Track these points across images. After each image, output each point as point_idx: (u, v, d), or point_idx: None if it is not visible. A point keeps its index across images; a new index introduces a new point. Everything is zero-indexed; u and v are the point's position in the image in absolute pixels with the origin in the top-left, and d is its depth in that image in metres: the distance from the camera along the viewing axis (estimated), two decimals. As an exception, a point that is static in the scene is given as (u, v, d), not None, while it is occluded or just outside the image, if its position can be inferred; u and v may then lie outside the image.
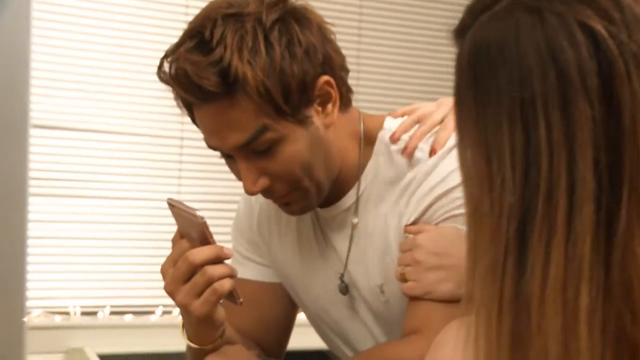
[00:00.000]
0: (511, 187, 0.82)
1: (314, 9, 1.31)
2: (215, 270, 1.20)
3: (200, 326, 1.27)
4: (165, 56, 1.26)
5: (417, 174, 1.29)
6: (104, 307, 2.65)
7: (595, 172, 0.79)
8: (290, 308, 1.52)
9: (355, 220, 1.37)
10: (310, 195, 1.32)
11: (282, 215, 1.43)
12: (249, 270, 1.48)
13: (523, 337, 0.82)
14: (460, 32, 0.88)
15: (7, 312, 1.06)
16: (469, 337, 0.89)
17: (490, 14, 0.85)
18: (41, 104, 2.56)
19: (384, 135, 1.34)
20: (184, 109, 1.31)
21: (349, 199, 1.36)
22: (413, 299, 1.28)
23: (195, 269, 1.21)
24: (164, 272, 1.25)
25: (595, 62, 0.79)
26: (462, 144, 0.89)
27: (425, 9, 3.23)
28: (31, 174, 2.32)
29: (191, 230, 1.25)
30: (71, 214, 2.63)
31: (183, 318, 1.30)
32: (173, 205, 1.26)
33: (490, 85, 0.84)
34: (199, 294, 1.21)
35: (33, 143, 2.35)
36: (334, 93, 1.28)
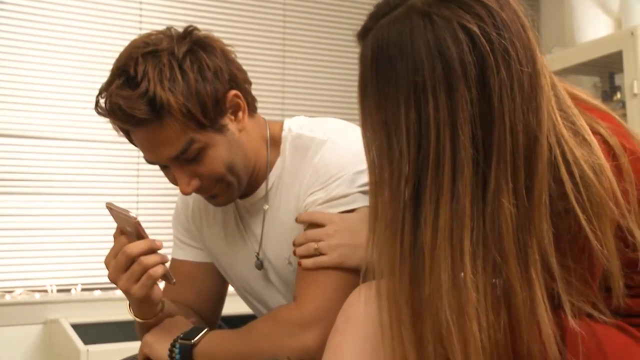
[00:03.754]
0: (407, 157, 0.89)
1: (215, 37, 1.39)
2: (149, 259, 1.29)
3: (141, 305, 1.37)
4: (100, 93, 1.33)
5: (311, 166, 1.39)
6: (76, 285, 2.79)
7: (473, 143, 0.87)
8: (221, 282, 1.62)
9: (266, 206, 1.46)
10: (232, 188, 1.42)
11: (210, 208, 1.55)
12: (186, 253, 1.60)
13: (420, 278, 0.90)
14: (363, 35, 0.96)
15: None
16: (373, 288, 0.96)
17: (389, 18, 0.93)
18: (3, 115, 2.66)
19: (285, 135, 1.45)
20: (121, 133, 1.37)
21: (261, 190, 1.46)
22: (298, 270, 1.36)
23: (132, 259, 1.29)
24: (107, 263, 1.32)
25: (473, 56, 0.87)
26: (365, 127, 0.95)
27: (341, 13, 3.20)
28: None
29: (128, 227, 1.31)
30: (50, 209, 2.77)
31: (128, 299, 1.38)
32: (111, 208, 1.32)
33: (389, 76, 0.90)
34: (137, 279, 1.29)
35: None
36: (242, 103, 1.38)
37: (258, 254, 1.50)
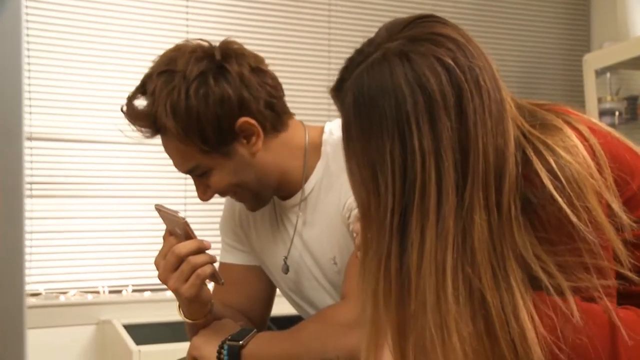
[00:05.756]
0: (392, 189, 0.94)
1: (243, 53, 1.38)
2: (197, 259, 1.31)
3: (190, 305, 1.39)
4: (127, 101, 1.38)
5: None
6: (127, 286, 2.83)
7: (455, 168, 0.92)
8: (269, 285, 1.63)
9: (299, 214, 1.48)
10: (253, 199, 1.46)
11: (256, 212, 1.55)
12: (234, 256, 1.61)
13: (405, 298, 0.94)
14: (339, 88, 1.01)
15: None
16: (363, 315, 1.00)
17: (365, 64, 0.97)
18: (41, 119, 2.72)
19: (326, 138, 1.46)
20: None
21: (296, 198, 1.47)
22: (347, 266, 1.38)
23: (181, 259, 1.31)
24: (156, 264, 1.35)
25: (450, 86, 0.93)
26: (351, 169, 1.00)
27: (386, 12, 3.20)
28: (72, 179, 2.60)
29: (176, 228, 1.34)
30: (102, 212, 2.82)
31: (177, 300, 1.40)
32: (160, 210, 1.35)
33: (372, 116, 0.95)
34: (186, 279, 1.31)
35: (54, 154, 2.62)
36: (256, 128, 1.37)
37: (286, 257, 1.52)
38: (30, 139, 2.72)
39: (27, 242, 2.71)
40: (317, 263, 1.50)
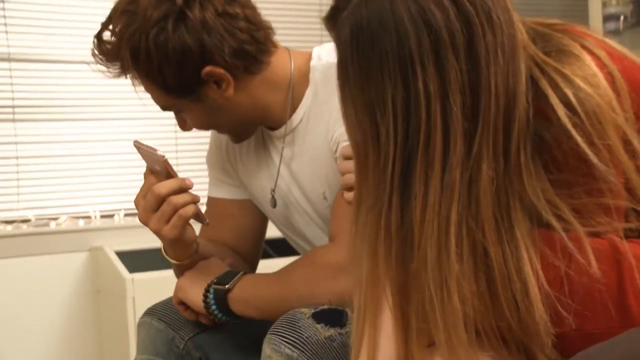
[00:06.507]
0: (393, 136, 0.87)
1: (205, 2, 1.27)
2: (178, 199, 1.27)
3: (174, 246, 1.36)
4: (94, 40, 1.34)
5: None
6: (119, 210, 2.78)
7: (463, 114, 0.85)
8: (260, 219, 1.58)
9: (285, 146, 1.43)
10: (234, 134, 1.43)
11: (243, 144, 1.50)
12: (222, 190, 1.57)
13: (407, 254, 0.88)
14: (333, 17, 0.93)
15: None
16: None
17: None
18: (19, 40, 2.63)
19: (314, 64, 1.38)
20: None
21: (283, 129, 1.42)
22: (334, 206, 1.34)
23: (162, 199, 1.27)
24: (136, 203, 1.32)
25: (459, 22, 0.85)
26: (347, 113, 0.93)
27: None
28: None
29: (157, 166, 1.30)
30: (92, 135, 2.76)
31: (160, 241, 1.37)
32: (139, 147, 1.31)
33: (372, 54, 0.87)
34: (168, 220, 1.27)
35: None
36: (224, 76, 1.30)
37: (273, 190, 1.48)
38: (8, 60, 2.64)
39: (14, 168, 2.67)
40: (306, 197, 1.46)
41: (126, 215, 2.81)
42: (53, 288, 2.64)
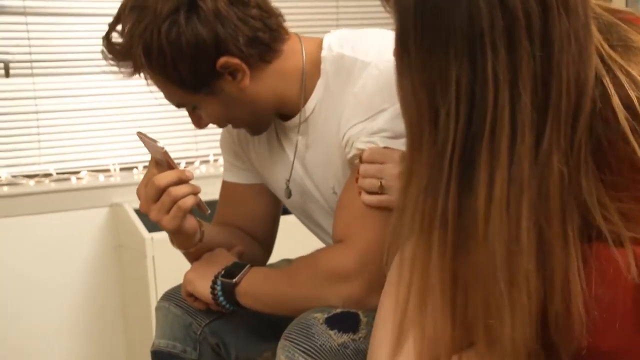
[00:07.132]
0: (455, 119, 0.82)
1: None
2: (178, 190, 1.28)
3: (176, 236, 1.38)
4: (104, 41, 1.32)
5: (351, 95, 1.29)
6: (138, 163, 2.79)
7: (532, 103, 0.81)
8: (273, 203, 1.58)
9: (299, 137, 1.41)
10: (251, 127, 1.42)
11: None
12: (235, 175, 1.58)
13: (470, 245, 0.84)
14: None
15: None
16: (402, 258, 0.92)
17: None
18: None
19: (325, 54, 1.36)
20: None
21: (296, 119, 1.40)
22: (341, 205, 1.31)
23: (161, 190, 1.27)
24: (138, 194, 1.32)
25: (536, 3, 0.79)
26: (403, 86, 0.87)
27: None
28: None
29: (159, 157, 1.31)
30: (109, 88, 2.74)
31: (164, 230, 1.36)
32: (142, 137, 1.32)
33: (438, 29, 0.81)
34: (167, 211, 1.28)
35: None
36: (240, 66, 1.28)
37: (288, 180, 1.47)
38: (24, 13, 2.61)
39: (34, 123, 2.68)
40: (318, 190, 1.45)
41: (145, 167, 2.81)
42: (75, 243, 2.67)
